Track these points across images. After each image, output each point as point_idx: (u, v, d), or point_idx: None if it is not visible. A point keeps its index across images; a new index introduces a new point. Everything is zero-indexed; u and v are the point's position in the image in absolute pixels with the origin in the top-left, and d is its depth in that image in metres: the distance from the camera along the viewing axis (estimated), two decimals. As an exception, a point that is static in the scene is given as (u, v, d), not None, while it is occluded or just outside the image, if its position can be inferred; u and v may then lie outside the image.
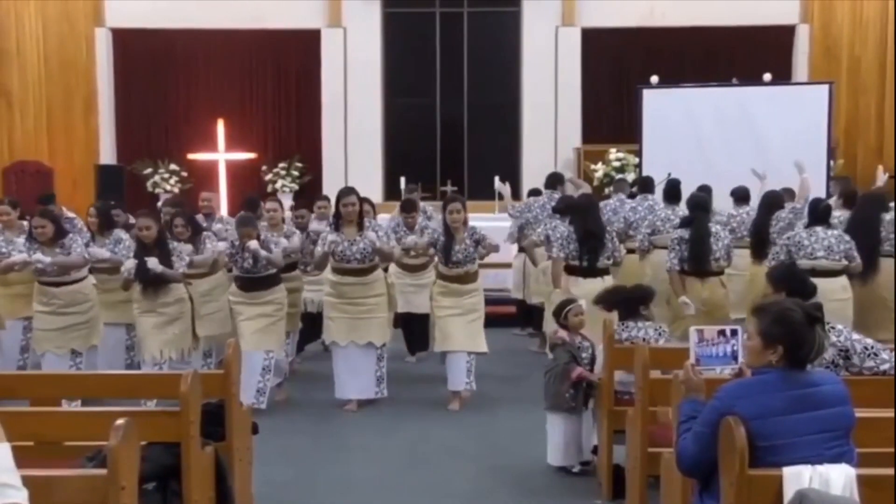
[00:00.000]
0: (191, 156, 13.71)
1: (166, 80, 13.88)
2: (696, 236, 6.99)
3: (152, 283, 6.52)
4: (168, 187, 13.34)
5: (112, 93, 13.84)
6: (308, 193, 11.96)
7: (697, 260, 6.95)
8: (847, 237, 6.80)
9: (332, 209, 7.13)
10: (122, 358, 7.46)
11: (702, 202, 7.36)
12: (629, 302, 5.26)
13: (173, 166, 13.59)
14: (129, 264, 6.53)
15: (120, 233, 7.31)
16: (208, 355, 7.34)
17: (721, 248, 7.02)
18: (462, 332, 6.96)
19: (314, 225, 8.07)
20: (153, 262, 6.45)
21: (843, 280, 6.74)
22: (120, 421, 2.85)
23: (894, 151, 12.69)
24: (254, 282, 6.83)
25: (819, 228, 6.81)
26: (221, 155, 13.60)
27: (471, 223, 7.06)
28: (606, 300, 5.41)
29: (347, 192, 6.90)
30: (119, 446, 2.80)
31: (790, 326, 3.00)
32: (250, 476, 4.70)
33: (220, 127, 13.61)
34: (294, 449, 5.99)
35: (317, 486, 5.32)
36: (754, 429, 2.89)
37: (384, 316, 7.03)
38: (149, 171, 13.56)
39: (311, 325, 8.07)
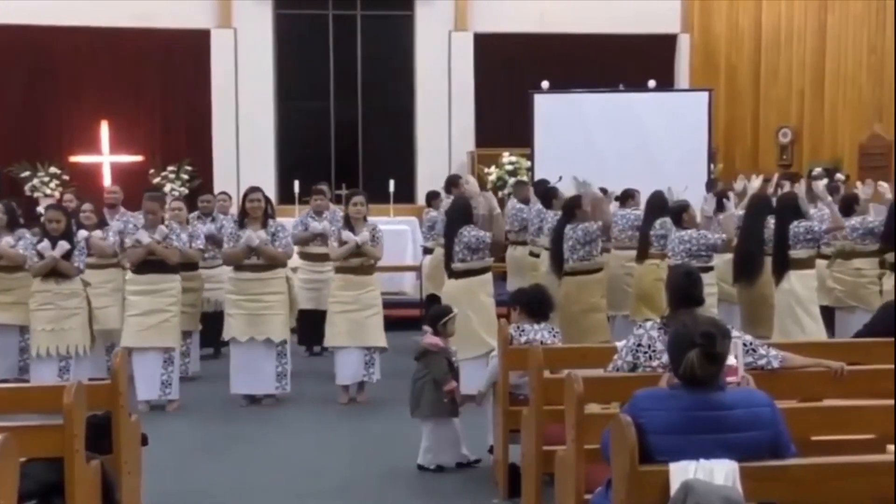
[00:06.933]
0: (73, 158, 13.16)
1: (46, 80, 13.22)
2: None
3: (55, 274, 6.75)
4: (48, 191, 12.76)
5: (-15, 92, 13.15)
6: (198, 197, 11.63)
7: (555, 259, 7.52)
8: (695, 238, 7.18)
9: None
10: (15, 362, 7.50)
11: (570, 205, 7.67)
12: (528, 304, 5.38)
13: (53, 169, 12.98)
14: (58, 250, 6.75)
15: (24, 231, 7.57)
16: (110, 350, 7.37)
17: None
18: (354, 328, 7.11)
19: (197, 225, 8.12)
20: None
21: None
22: (-2, 437, 2.73)
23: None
24: (152, 265, 6.93)
25: (674, 230, 7.37)
26: (106, 157, 13.12)
27: (372, 220, 7.38)
28: (512, 299, 5.58)
29: (253, 189, 7.21)
30: (-3, 464, 2.67)
31: (672, 341, 3.13)
32: (139, 489, 4.56)
33: (105, 128, 13.13)
34: (186, 458, 5.84)
35: (209, 496, 5.21)
36: (653, 442, 2.94)
37: (284, 313, 7.15)
38: (27, 174, 12.93)
39: (210, 326, 8.01)
